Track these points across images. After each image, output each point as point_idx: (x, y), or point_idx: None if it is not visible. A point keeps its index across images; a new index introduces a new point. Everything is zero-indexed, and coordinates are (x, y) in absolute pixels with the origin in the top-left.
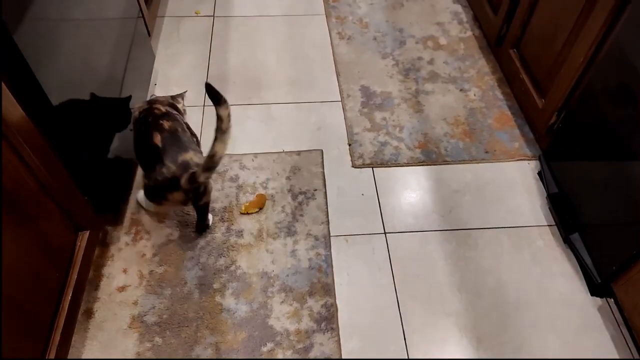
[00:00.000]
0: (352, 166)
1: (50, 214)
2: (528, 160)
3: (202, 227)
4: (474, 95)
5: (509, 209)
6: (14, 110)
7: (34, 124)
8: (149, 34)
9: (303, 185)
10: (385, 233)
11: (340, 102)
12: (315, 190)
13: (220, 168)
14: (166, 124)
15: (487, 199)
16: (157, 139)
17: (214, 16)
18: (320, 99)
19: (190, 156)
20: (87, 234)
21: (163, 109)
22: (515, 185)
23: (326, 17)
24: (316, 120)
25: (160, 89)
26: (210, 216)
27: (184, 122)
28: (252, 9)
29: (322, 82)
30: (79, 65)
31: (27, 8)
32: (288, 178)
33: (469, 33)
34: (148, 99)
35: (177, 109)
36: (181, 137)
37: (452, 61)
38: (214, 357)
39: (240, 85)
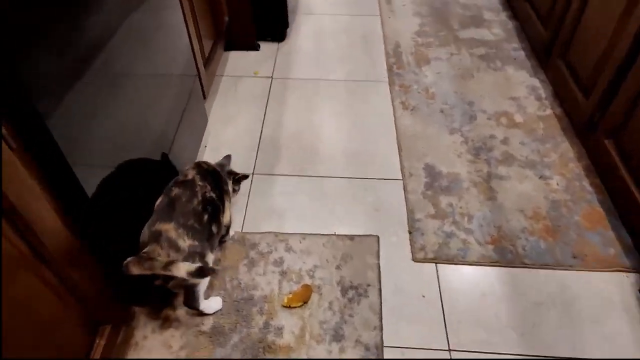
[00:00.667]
0: (413, 259)
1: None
2: (627, 272)
3: (189, 305)
4: (557, 184)
5: (606, 335)
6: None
7: (65, 216)
8: (204, 96)
9: (355, 277)
10: (449, 350)
11: (401, 181)
12: (369, 285)
13: (264, 248)
14: (174, 191)
15: (576, 318)
16: (157, 202)
17: (272, 77)
18: (379, 176)
19: (167, 228)
20: (107, 329)
21: (190, 175)
22: (611, 304)
23: (389, 84)
24: (373, 200)
25: (210, 151)
26: (207, 303)
27: (209, 195)
28: (312, 72)
29: (382, 156)
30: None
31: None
32: (338, 267)
33: (549, 111)
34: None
35: (217, 177)
36: (179, 207)
37: (529, 142)
38: None
39: (294, 153)
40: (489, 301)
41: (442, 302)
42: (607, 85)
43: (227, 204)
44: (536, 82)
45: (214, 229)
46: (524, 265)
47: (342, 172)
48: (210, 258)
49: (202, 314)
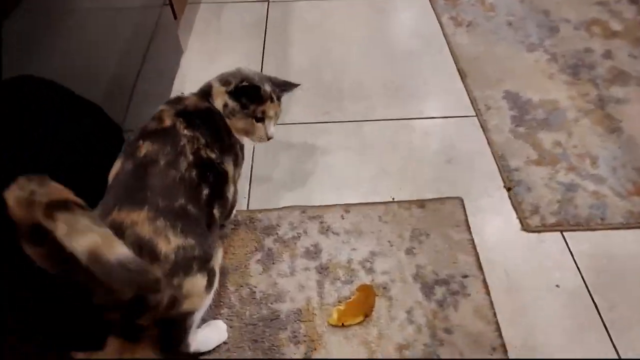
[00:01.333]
0: (523, 228)
1: None
2: None
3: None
4: None
5: None
6: None
7: None
8: (175, 17)
9: (440, 265)
10: None
11: (475, 118)
12: (465, 277)
13: (286, 232)
14: (144, 149)
15: None
16: (114, 171)
17: (268, 0)
18: (441, 113)
19: (135, 219)
20: None
21: (168, 119)
22: None
23: None
24: (440, 147)
25: None
26: (201, 336)
27: (206, 155)
28: None
29: (438, 87)
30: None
31: None
32: (410, 252)
33: None
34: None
35: (214, 119)
36: (154, 177)
37: None
38: None
39: (312, 94)
40: None
41: (589, 292)
42: None
43: (232, 167)
44: None
45: (217, 211)
46: None
47: (384, 112)
48: (217, 262)
49: (193, 356)
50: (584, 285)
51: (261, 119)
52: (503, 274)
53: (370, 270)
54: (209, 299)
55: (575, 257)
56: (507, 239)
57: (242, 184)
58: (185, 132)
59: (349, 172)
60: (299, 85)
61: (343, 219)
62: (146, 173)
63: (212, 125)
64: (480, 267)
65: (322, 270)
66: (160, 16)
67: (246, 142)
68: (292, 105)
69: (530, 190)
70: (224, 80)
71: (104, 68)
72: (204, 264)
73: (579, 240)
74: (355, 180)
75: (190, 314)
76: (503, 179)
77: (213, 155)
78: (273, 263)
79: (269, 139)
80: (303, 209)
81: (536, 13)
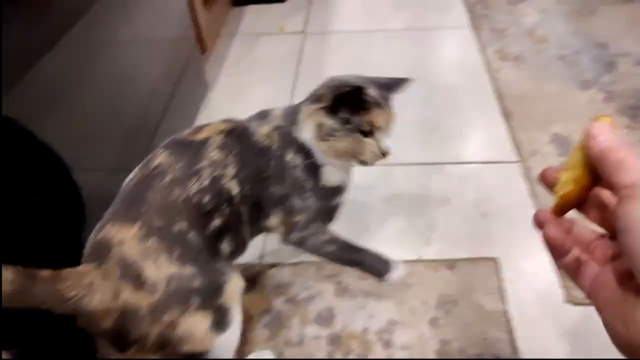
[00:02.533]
0: (568, 300)
1: None
2: None
3: None
4: None
5: None
6: None
7: None
8: (204, 51)
9: (468, 341)
10: None
11: (519, 164)
12: (497, 358)
13: (299, 291)
14: (160, 158)
15: None
16: (128, 177)
17: (304, 32)
18: (480, 158)
19: (123, 235)
20: None
21: (205, 132)
22: None
23: (474, 29)
24: (476, 197)
25: None
26: None
27: (226, 185)
28: (361, 21)
29: (479, 127)
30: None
31: None
32: (435, 322)
33: None
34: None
35: (258, 152)
36: (157, 191)
37: None
38: None
39: None
40: None
41: None
42: None
43: (278, 219)
44: None
45: (226, 246)
46: None
47: (417, 154)
48: (232, 297)
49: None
50: None
51: (370, 133)
52: (542, 356)
53: (387, 344)
54: (223, 340)
55: None
56: (548, 312)
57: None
58: (214, 153)
59: (373, 223)
60: (410, 80)
61: (361, 279)
62: (149, 186)
63: (251, 154)
64: (514, 346)
65: (334, 340)
66: (186, 52)
67: (359, 172)
68: None
69: None
70: (314, 97)
71: (128, 106)
72: (207, 298)
73: None
74: (379, 233)
75: (199, 354)
76: None
77: (234, 192)
78: (282, 328)
79: (384, 155)
80: (319, 266)
81: (591, 46)
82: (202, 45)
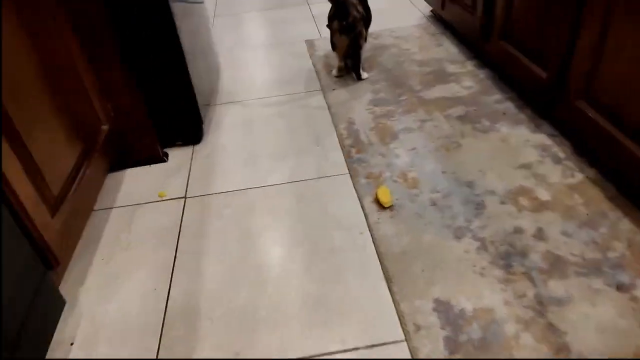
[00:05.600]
0: None
1: None
2: None
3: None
4: None
5: None
6: None
7: None
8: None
9: None
10: None
11: (404, 343)
12: None
13: None
14: None
15: None
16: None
17: (185, 197)
18: (366, 341)
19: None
20: None
21: None
22: None
23: (351, 176)
24: None
25: (80, 350)
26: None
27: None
28: (242, 179)
29: (362, 298)
30: None
31: None
32: None
33: (579, 176)
34: None
35: None
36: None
37: (574, 229)
38: None
39: (222, 324)
40: None
41: None
42: None
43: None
44: (544, 139)
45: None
46: None
47: (301, 345)
48: None
49: None
50: None
51: None
52: None
53: None
54: None
55: None
56: None
57: None
58: None
59: None
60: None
61: None
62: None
63: None
64: None
65: None
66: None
67: None
68: (199, 343)
69: None
70: None
71: None
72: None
73: None
74: None
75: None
76: None
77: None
78: None
79: None
80: None
81: (460, 185)
82: (49, 260)
